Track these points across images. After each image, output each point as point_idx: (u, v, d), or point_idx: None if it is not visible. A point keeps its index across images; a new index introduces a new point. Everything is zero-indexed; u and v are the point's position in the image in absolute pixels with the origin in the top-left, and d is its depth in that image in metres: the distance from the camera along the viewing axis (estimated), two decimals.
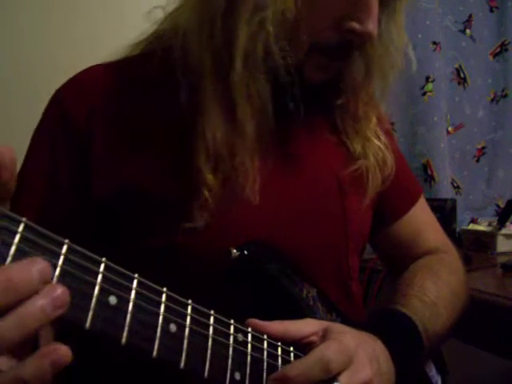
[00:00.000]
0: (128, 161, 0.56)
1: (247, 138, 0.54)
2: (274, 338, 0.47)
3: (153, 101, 0.58)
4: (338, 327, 0.50)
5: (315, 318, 0.55)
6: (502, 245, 1.45)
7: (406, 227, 0.76)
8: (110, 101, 0.58)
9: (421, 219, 0.78)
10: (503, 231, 1.45)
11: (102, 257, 0.36)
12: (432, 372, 0.66)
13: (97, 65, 0.63)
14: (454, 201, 1.60)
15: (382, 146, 0.67)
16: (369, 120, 0.66)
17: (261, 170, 0.57)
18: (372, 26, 0.53)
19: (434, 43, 1.67)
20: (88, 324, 0.33)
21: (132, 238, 0.56)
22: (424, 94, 1.67)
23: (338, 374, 0.44)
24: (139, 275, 0.38)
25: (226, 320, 0.44)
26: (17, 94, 0.63)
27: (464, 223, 1.73)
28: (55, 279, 0.32)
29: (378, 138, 0.67)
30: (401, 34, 0.63)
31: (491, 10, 1.84)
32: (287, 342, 0.48)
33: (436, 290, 0.65)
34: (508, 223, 1.46)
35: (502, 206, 1.79)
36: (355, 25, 0.53)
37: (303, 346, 0.48)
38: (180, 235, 0.53)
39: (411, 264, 0.73)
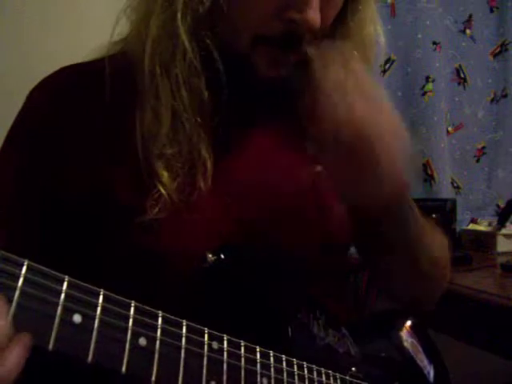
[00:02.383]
0: (98, 166, 0.56)
1: (191, 134, 0.54)
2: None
3: (114, 105, 0.58)
4: None
5: (297, 319, 0.53)
6: (502, 245, 1.45)
7: None
8: (79, 106, 0.58)
9: None
10: (503, 231, 1.45)
11: (73, 272, 0.35)
12: (424, 362, 0.66)
13: (66, 67, 0.62)
14: (454, 201, 1.60)
15: None
16: None
17: (225, 169, 0.57)
18: (312, 14, 0.51)
19: (434, 43, 1.67)
20: (51, 345, 0.33)
21: (101, 244, 0.56)
22: (424, 93, 1.67)
23: None
24: (114, 284, 0.37)
25: (200, 328, 0.43)
26: (18, 93, 0.63)
27: (464, 223, 1.73)
28: (15, 302, 0.32)
29: None
30: (370, 26, 0.61)
31: (491, 10, 1.84)
32: None
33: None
34: (508, 223, 1.46)
35: (502, 205, 1.79)
36: (294, 14, 0.51)
37: None
38: (146, 237, 0.53)
39: None
